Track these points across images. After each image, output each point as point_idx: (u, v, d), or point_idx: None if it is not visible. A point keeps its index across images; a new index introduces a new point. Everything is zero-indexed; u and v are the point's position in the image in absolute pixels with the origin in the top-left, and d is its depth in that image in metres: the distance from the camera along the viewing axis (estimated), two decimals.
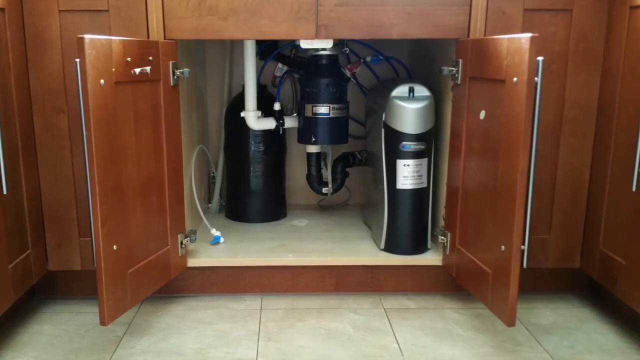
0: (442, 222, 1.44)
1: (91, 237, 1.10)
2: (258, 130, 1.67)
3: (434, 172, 1.45)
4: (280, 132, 1.69)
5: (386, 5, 1.29)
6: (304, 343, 1.26)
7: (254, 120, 1.63)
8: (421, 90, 1.41)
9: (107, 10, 1.26)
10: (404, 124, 1.40)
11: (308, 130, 1.62)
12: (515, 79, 1.05)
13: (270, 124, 1.66)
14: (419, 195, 1.44)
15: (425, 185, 1.44)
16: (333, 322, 1.35)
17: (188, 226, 1.43)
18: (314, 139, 1.61)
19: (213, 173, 1.83)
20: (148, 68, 1.19)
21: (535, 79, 1.03)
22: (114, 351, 1.23)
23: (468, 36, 1.30)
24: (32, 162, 1.31)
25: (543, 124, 1.30)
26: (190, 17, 1.28)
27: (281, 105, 1.68)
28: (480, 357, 1.21)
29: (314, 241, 1.56)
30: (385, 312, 1.40)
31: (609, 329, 1.33)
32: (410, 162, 1.41)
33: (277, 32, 1.30)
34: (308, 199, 1.88)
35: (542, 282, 1.48)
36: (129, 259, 1.19)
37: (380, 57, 1.76)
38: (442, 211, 1.44)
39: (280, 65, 1.77)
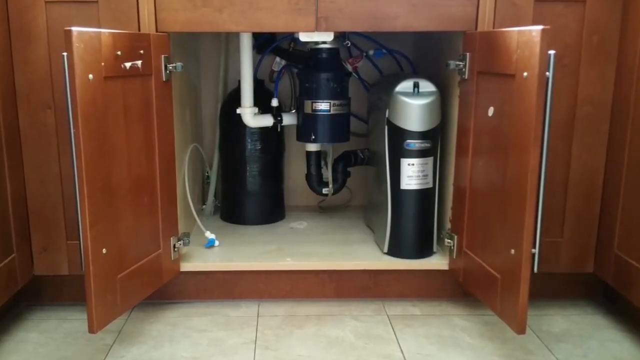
0: (448, 225, 1.44)
1: (79, 240, 1.10)
2: (255, 128, 1.67)
3: (440, 171, 1.45)
4: (278, 130, 1.69)
5: None
6: (303, 351, 1.26)
7: (251, 117, 1.63)
8: (426, 86, 1.41)
9: (96, 2, 1.27)
10: (409, 121, 1.40)
11: (307, 127, 1.62)
12: (525, 73, 1.05)
13: (267, 121, 1.66)
14: (424, 196, 1.44)
15: (430, 185, 1.44)
16: (334, 329, 1.35)
17: (181, 228, 1.43)
18: (313, 137, 1.61)
19: (207, 173, 1.83)
20: (139, 62, 1.19)
21: (547, 73, 1.04)
22: None
23: (476, 28, 1.30)
24: (17, 160, 1.31)
25: (555, 120, 1.30)
26: (184, 9, 1.28)
27: (279, 102, 1.68)
28: None
29: (313, 244, 1.56)
30: (389, 319, 1.40)
31: (624, 337, 1.33)
32: (415, 161, 1.41)
33: (274, 24, 1.30)
34: (307, 200, 1.88)
35: (554, 288, 1.48)
36: (119, 263, 1.19)
37: (384, 51, 1.76)
38: (448, 213, 1.44)
39: (278, 59, 1.77)
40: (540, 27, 1.01)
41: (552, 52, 1.03)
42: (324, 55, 1.58)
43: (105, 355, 1.24)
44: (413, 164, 1.42)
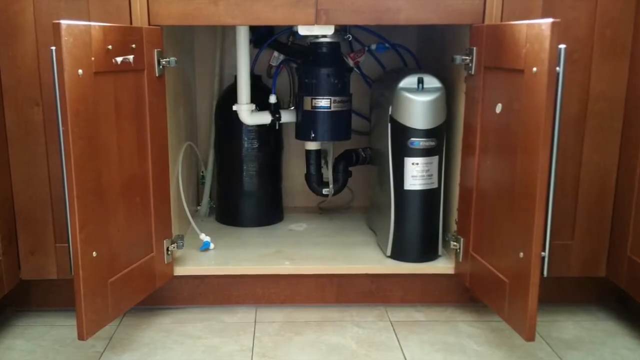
0: (454, 227, 1.44)
1: (68, 242, 1.10)
2: (252, 126, 1.67)
3: (445, 171, 1.45)
4: (277, 128, 1.68)
5: None
6: (303, 359, 1.26)
7: (248, 114, 1.63)
8: (431, 82, 1.41)
9: None
10: (413, 118, 1.40)
11: (307, 125, 1.62)
12: (534, 68, 1.05)
13: (265, 118, 1.66)
14: (429, 196, 1.44)
15: (435, 185, 1.44)
16: (334, 336, 1.35)
17: (175, 231, 1.43)
18: (313, 135, 1.61)
19: (202, 172, 1.83)
20: (131, 57, 1.19)
21: (557, 68, 1.03)
22: None
23: (483, 22, 1.30)
24: (3, 160, 1.31)
25: (565, 118, 1.29)
26: (178, 1, 1.28)
27: (277, 98, 1.68)
28: None
29: (313, 247, 1.56)
30: (392, 326, 1.40)
31: (639, 344, 1.33)
32: (419, 160, 1.41)
33: (272, 17, 1.30)
34: (307, 200, 1.88)
35: (565, 293, 1.48)
36: (109, 266, 1.19)
37: (386, 45, 1.76)
38: (454, 214, 1.44)
39: (276, 53, 1.77)
40: (551, 20, 1.01)
41: (562, 46, 1.03)
42: (324, 49, 1.58)
43: None
44: (417, 164, 1.42)
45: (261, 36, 1.72)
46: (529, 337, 1.10)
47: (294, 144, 1.79)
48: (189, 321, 1.41)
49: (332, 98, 1.58)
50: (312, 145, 1.71)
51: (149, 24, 1.28)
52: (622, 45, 1.31)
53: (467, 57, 1.31)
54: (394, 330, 1.38)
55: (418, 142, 1.40)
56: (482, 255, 1.29)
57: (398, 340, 1.33)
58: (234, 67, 1.63)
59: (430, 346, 1.31)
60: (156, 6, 1.28)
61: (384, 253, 1.50)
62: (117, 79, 1.18)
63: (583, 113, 1.34)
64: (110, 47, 1.13)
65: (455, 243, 1.41)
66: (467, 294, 1.47)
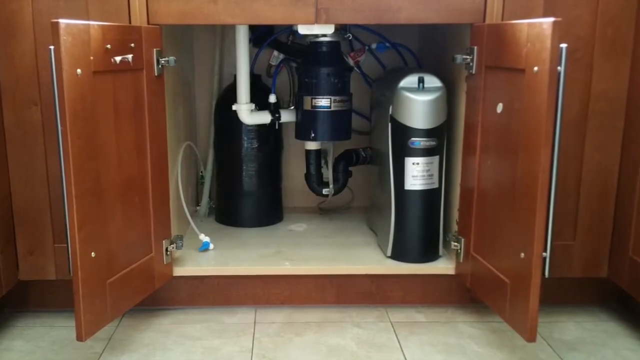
0: (455, 227, 1.44)
1: (67, 243, 1.10)
2: (251, 125, 1.67)
3: (446, 171, 1.45)
4: (276, 127, 1.68)
5: None
6: None
7: (247, 114, 1.63)
8: (432, 81, 1.41)
9: None
10: (413, 118, 1.40)
11: (307, 125, 1.62)
12: (536, 68, 1.05)
13: (264, 118, 1.66)
14: (429, 196, 1.44)
15: (436, 185, 1.44)
16: (334, 337, 1.35)
17: (174, 231, 1.43)
18: (313, 135, 1.61)
19: (202, 172, 1.83)
20: (130, 56, 1.19)
21: (558, 68, 1.03)
22: None
23: (484, 21, 1.30)
24: (1, 160, 1.31)
25: (567, 117, 1.29)
26: (177, 0, 1.28)
27: (277, 98, 1.67)
28: None
29: (313, 248, 1.56)
30: (392, 326, 1.40)
31: None
32: (420, 160, 1.41)
33: (272, 16, 1.30)
34: (307, 201, 1.88)
35: (566, 293, 1.48)
36: (108, 267, 1.19)
37: (387, 44, 1.75)
38: (455, 214, 1.44)
39: (275, 53, 1.77)
40: (552, 19, 1.01)
41: (564, 45, 1.03)
42: (324, 48, 1.58)
43: None
44: (418, 163, 1.41)
45: (261, 35, 1.72)
46: (530, 338, 1.10)
47: (293, 143, 1.79)
48: (188, 322, 1.41)
49: (332, 97, 1.58)
50: (312, 145, 1.70)
51: (148, 23, 1.28)
52: (624, 44, 1.31)
53: (468, 57, 1.31)
54: (394, 331, 1.38)
55: (419, 142, 1.40)
56: (483, 255, 1.29)
57: (398, 341, 1.33)
58: (234, 66, 1.63)
59: (430, 347, 1.31)
60: (155, 5, 1.28)
61: (385, 253, 1.50)
62: (116, 79, 1.18)
63: (584, 112, 1.34)
64: (109, 46, 1.13)
65: (456, 243, 1.41)
66: (468, 295, 1.47)
